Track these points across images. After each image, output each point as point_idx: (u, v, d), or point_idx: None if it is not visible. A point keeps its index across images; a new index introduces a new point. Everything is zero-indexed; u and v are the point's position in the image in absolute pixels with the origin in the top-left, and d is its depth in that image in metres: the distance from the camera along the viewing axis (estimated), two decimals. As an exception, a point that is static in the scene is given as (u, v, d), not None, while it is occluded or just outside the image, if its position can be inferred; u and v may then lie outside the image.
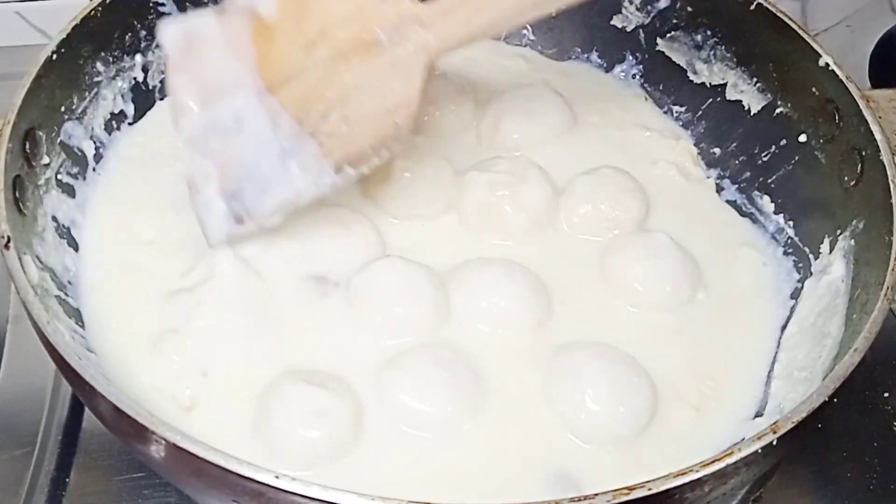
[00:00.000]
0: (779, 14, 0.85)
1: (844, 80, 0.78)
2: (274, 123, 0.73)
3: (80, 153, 0.82)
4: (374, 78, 0.73)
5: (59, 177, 0.79)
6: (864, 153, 0.75)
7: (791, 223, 0.85)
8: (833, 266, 0.77)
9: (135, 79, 0.89)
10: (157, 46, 0.90)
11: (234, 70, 0.73)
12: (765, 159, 0.88)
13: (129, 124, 0.89)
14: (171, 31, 0.73)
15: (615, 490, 0.53)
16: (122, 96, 0.88)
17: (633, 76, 1.00)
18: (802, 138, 0.84)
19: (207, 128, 0.73)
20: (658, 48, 0.97)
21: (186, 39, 0.73)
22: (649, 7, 0.96)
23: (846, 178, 0.78)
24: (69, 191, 0.80)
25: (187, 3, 0.92)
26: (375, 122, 0.73)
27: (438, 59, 0.73)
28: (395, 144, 0.74)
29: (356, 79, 0.73)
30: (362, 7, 0.72)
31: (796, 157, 0.85)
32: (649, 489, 0.53)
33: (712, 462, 0.55)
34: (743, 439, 0.60)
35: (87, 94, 0.83)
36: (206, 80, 0.73)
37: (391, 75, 0.73)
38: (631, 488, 0.53)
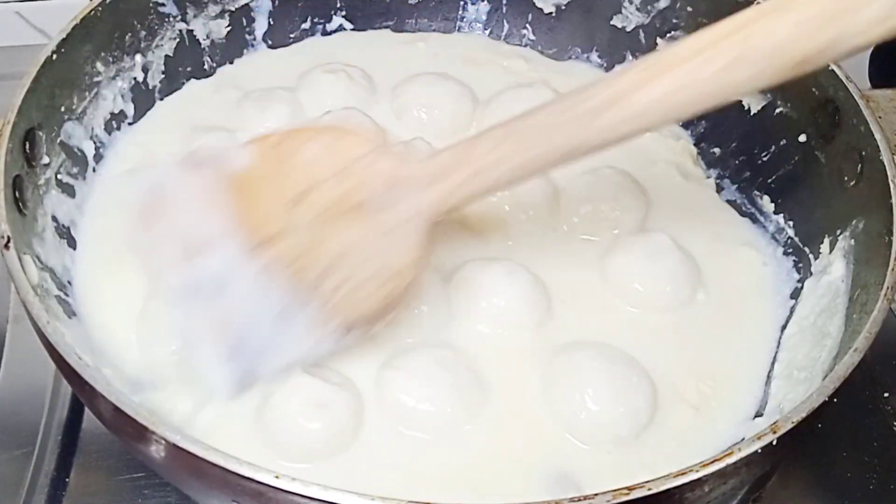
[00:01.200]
0: (779, 14, 0.85)
1: (844, 80, 0.78)
2: (265, 284, 0.66)
3: (80, 153, 0.82)
4: (368, 244, 0.67)
5: (59, 177, 0.79)
6: (863, 153, 0.75)
7: (791, 223, 0.85)
8: (833, 266, 0.77)
9: (135, 79, 0.89)
10: (157, 46, 0.91)
11: (211, 226, 0.67)
12: (765, 159, 0.88)
13: (129, 124, 0.89)
14: (136, 191, 0.68)
15: (615, 490, 0.53)
16: (122, 96, 0.88)
17: (633, 76, 0.99)
18: (802, 138, 0.84)
19: (189, 289, 0.67)
20: (658, 48, 0.97)
21: (153, 196, 0.68)
22: (649, 7, 0.96)
23: (846, 178, 0.77)
24: (69, 191, 0.80)
25: (187, 3, 0.92)
26: (377, 287, 0.67)
27: (437, 219, 0.67)
28: (399, 304, 0.69)
29: (349, 242, 0.67)
30: (350, 168, 0.67)
31: (796, 157, 0.84)
32: (649, 489, 0.53)
33: (712, 462, 0.55)
34: (743, 439, 0.60)
35: (87, 94, 0.83)
36: (180, 238, 0.67)
37: (386, 243, 0.66)
38: (631, 488, 0.53)
